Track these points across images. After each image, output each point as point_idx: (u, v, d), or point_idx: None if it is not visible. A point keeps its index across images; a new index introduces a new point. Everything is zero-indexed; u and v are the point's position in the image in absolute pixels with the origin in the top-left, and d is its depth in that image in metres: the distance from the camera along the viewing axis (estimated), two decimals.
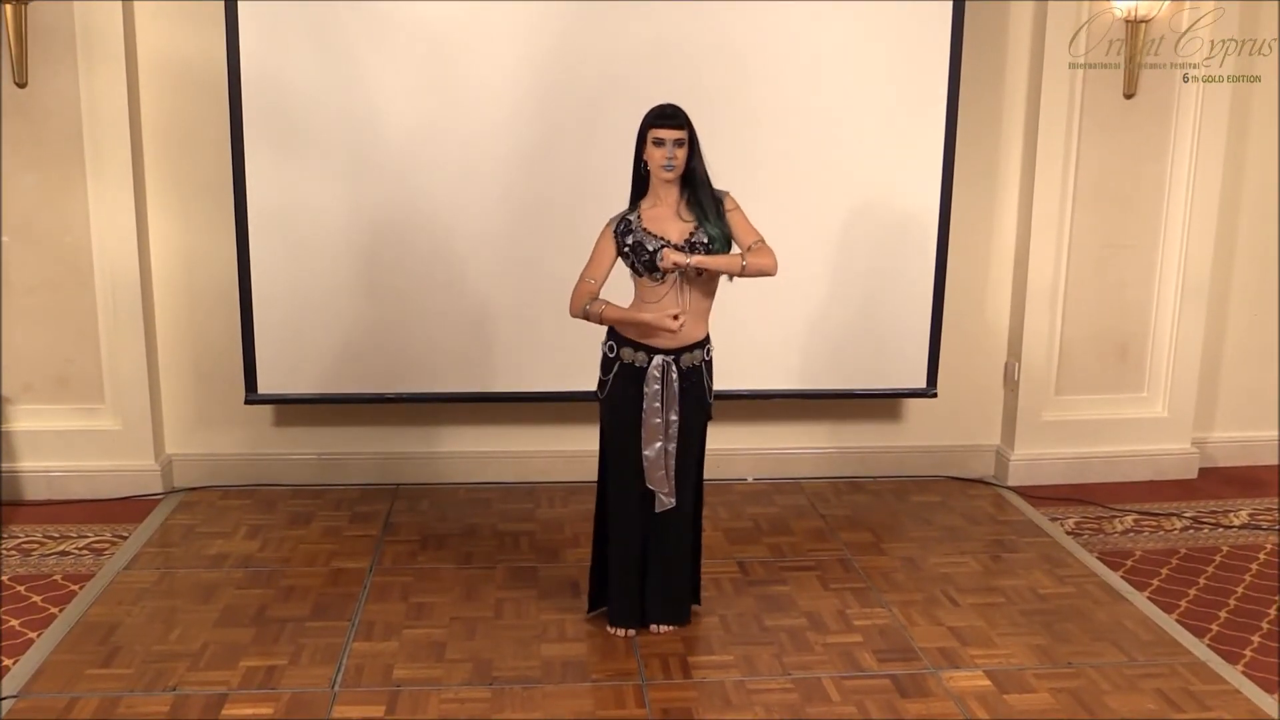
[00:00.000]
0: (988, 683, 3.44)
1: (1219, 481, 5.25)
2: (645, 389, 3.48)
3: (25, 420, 4.78)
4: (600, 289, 3.49)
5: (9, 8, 4.36)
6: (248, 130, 4.54)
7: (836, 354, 4.94)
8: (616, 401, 3.55)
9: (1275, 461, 5.44)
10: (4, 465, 4.75)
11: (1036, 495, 5.03)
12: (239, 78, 4.49)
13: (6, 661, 3.48)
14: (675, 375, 3.49)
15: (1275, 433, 5.48)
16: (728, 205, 3.50)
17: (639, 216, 3.49)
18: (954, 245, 4.90)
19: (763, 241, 3.47)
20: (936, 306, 4.92)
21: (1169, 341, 5.16)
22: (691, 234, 3.44)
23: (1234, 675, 3.50)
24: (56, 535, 4.47)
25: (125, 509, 4.72)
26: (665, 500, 3.55)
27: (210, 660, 3.50)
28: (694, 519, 3.74)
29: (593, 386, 3.64)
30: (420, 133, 4.61)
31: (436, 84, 4.59)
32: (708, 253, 3.42)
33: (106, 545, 4.37)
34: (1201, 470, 5.31)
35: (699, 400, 3.57)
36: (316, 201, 4.64)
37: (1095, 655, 3.61)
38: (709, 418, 3.65)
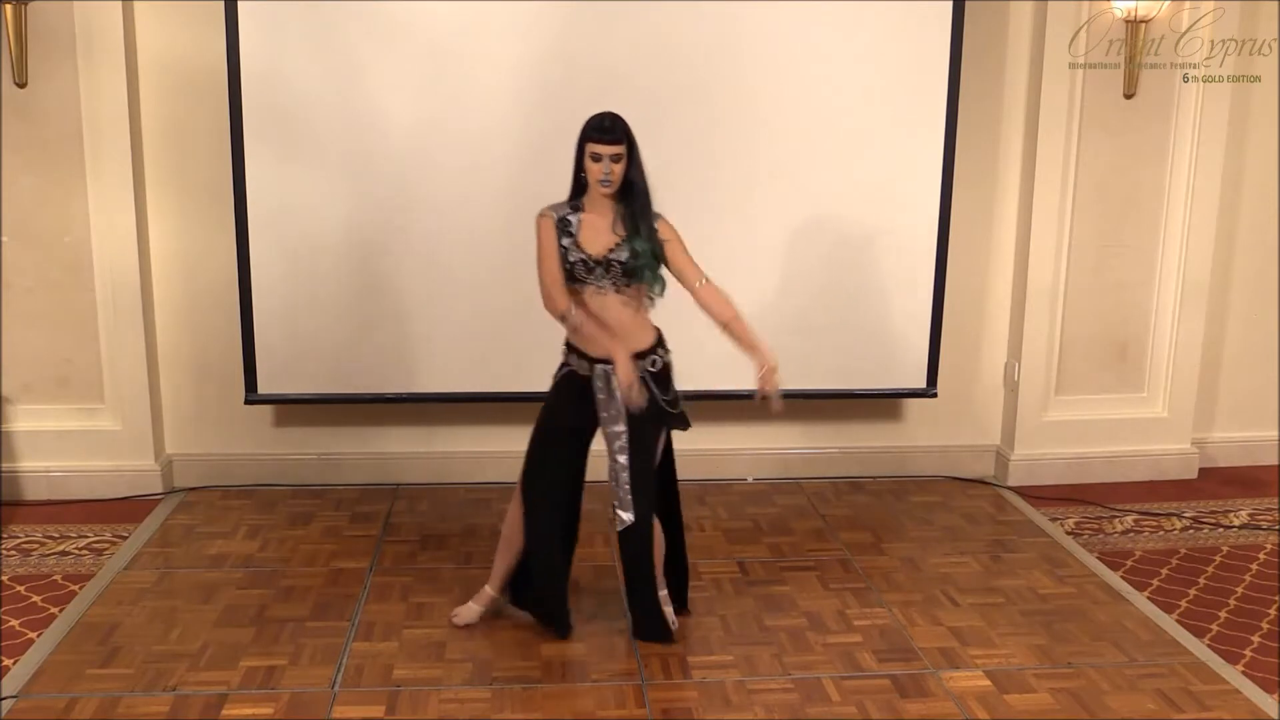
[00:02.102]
0: (988, 683, 3.44)
1: (1219, 481, 5.25)
2: (596, 397, 3.47)
3: (25, 420, 4.78)
4: None
5: (9, 8, 4.36)
6: (248, 130, 4.54)
7: (836, 354, 4.93)
8: (552, 402, 3.59)
9: (1275, 461, 5.44)
10: (4, 465, 4.75)
11: (1036, 495, 5.03)
12: (239, 78, 4.49)
13: (6, 661, 3.48)
14: (617, 385, 3.43)
15: (1275, 433, 5.48)
16: (663, 233, 3.41)
17: (579, 221, 3.43)
18: (954, 245, 4.90)
19: (709, 281, 3.42)
20: (936, 306, 4.92)
21: (1169, 341, 5.16)
22: (610, 250, 3.39)
23: (1234, 675, 3.49)
24: (56, 535, 4.47)
25: (125, 509, 4.72)
26: (623, 517, 3.49)
27: (210, 660, 3.50)
28: (673, 529, 3.70)
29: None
30: (420, 132, 4.61)
31: (436, 83, 4.59)
32: (624, 269, 3.37)
33: (106, 545, 4.37)
34: (1201, 470, 5.31)
35: (653, 410, 3.46)
36: (316, 201, 4.64)
37: (1095, 655, 3.61)
38: (668, 425, 3.54)
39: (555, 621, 3.66)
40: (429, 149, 4.61)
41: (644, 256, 3.39)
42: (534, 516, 3.60)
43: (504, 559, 3.72)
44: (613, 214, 3.43)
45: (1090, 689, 3.41)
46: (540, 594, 3.66)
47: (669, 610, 3.72)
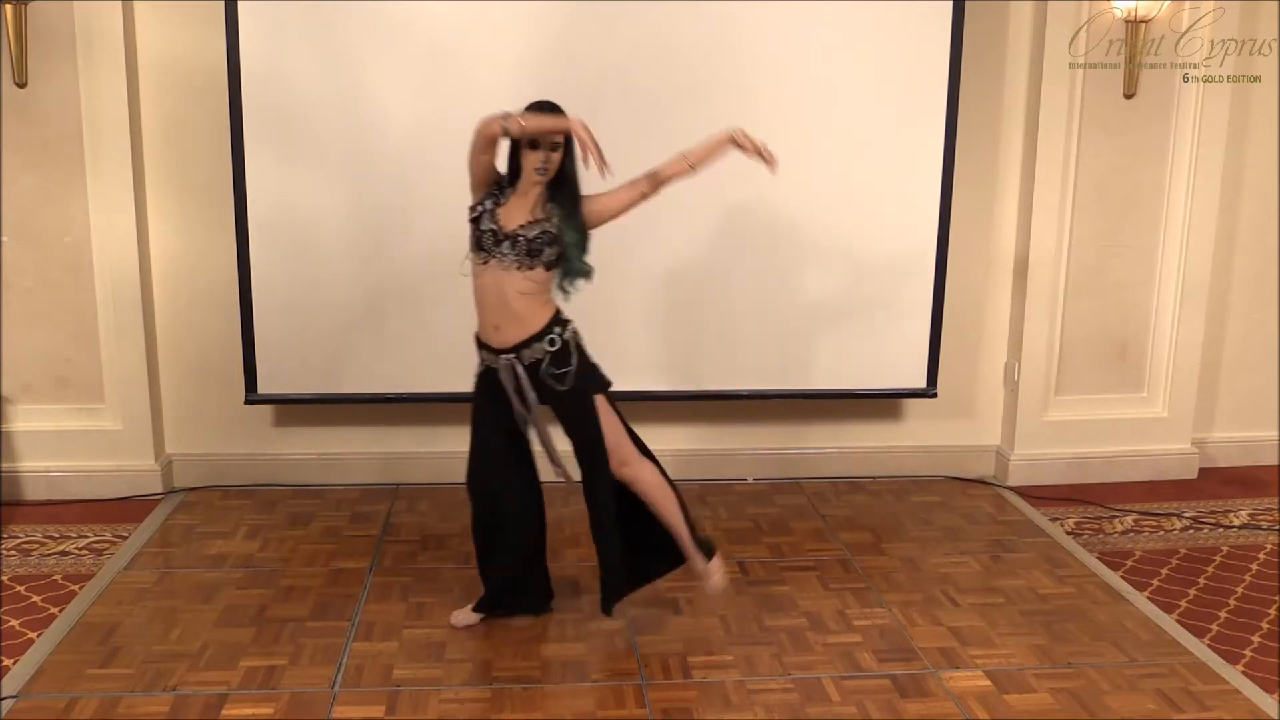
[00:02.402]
0: (988, 683, 3.44)
1: (1219, 481, 5.25)
2: (505, 387, 3.48)
3: (25, 420, 4.78)
4: None
5: (9, 8, 4.36)
6: (248, 130, 4.54)
7: (836, 354, 4.93)
8: (475, 400, 3.62)
9: (1275, 461, 5.44)
10: (4, 465, 4.75)
11: (1036, 495, 5.03)
12: (239, 78, 4.49)
13: (6, 661, 3.48)
14: (523, 371, 3.45)
15: (1275, 433, 5.48)
16: (586, 207, 3.44)
17: (502, 202, 3.43)
18: (954, 245, 4.90)
19: (641, 175, 3.45)
20: (936, 306, 4.92)
21: (1169, 341, 5.16)
22: (521, 226, 3.38)
23: (1234, 675, 3.50)
24: (56, 535, 4.47)
25: (125, 509, 4.72)
26: (572, 479, 3.62)
27: (210, 660, 3.50)
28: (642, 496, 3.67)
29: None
30: (420, 132, 4.61)
31: (436, 83, 4.59)
32: (530, 247, 3.36)
33: (106, 545, 4.37)
34: (1201, 470, 5.31)
35: (551, 389, 3.47)
36: (316, 201, 4.64)
37: (1095, 655, 3.61)
38: (584, 390, 3.49)
39: (525, 603, 3.77)
40: (429, 149, 4.61)
41: (572, 248, 3.42)
42: (477, 514, 3.68)
43: None
44: (536, 200, 3.44)
45: (1090, 689, 3.41)
46: (500, 587, 3.73)
47: (715, 574, 3.70)
